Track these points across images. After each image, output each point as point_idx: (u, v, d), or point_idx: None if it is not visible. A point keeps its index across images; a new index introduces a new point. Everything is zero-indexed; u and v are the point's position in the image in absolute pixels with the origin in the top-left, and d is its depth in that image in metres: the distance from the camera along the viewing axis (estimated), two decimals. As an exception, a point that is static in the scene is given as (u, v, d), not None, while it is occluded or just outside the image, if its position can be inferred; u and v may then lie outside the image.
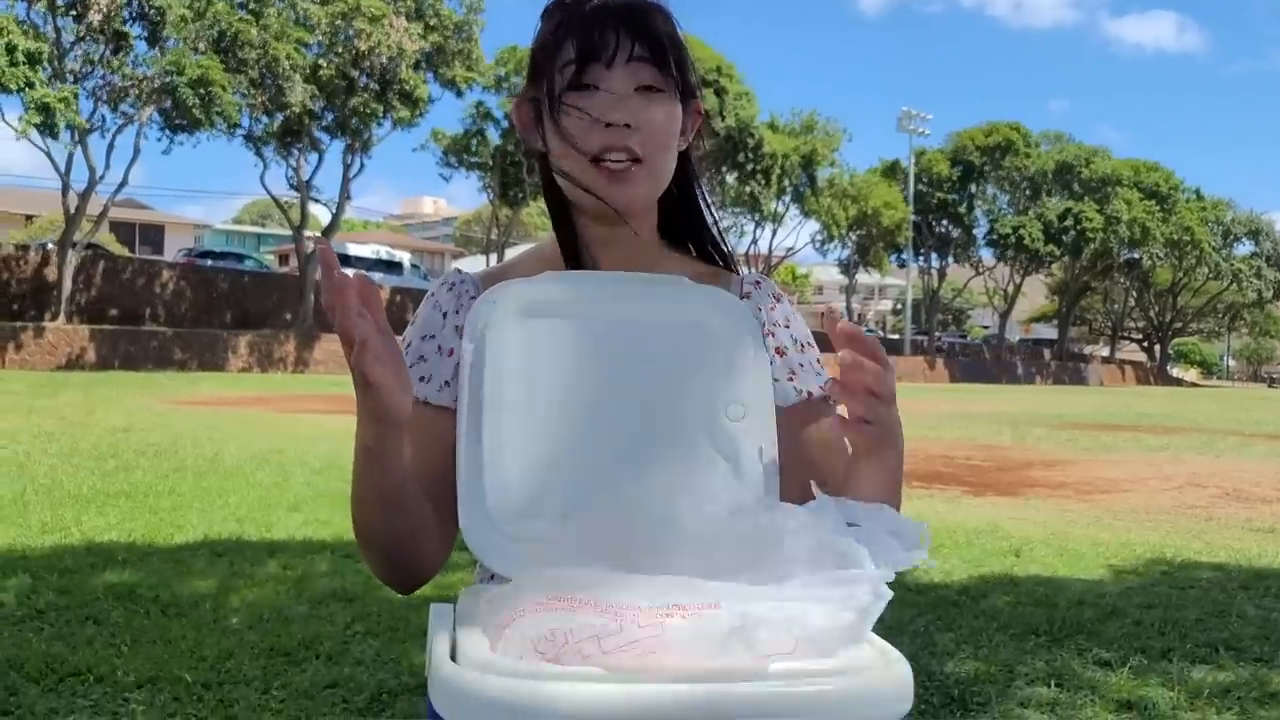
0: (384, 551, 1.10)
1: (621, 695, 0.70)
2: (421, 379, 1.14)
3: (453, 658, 0.78)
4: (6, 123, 27.21)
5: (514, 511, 0.92)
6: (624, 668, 0.72)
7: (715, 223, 1.28)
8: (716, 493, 0.96)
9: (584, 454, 0.93)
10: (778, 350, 1.20)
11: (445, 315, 1.18)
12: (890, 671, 0.77)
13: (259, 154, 34.40)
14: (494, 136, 40.04)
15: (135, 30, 28.98)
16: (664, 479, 0.95)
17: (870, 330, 70.63)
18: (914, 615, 4.85)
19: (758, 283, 1.26)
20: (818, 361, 1.24)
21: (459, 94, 36.45)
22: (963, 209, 55.62)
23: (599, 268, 1.15)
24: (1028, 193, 56.01)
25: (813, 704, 0.72)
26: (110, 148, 30.17)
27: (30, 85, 25.54)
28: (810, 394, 1.18)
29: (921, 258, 57.56)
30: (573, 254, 1.17)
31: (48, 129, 26.45)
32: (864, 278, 64.25)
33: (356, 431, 1.00)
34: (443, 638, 0.81)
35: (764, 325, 1.19)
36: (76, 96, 27.44)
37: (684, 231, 1.26)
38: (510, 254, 36.09)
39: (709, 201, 1.28)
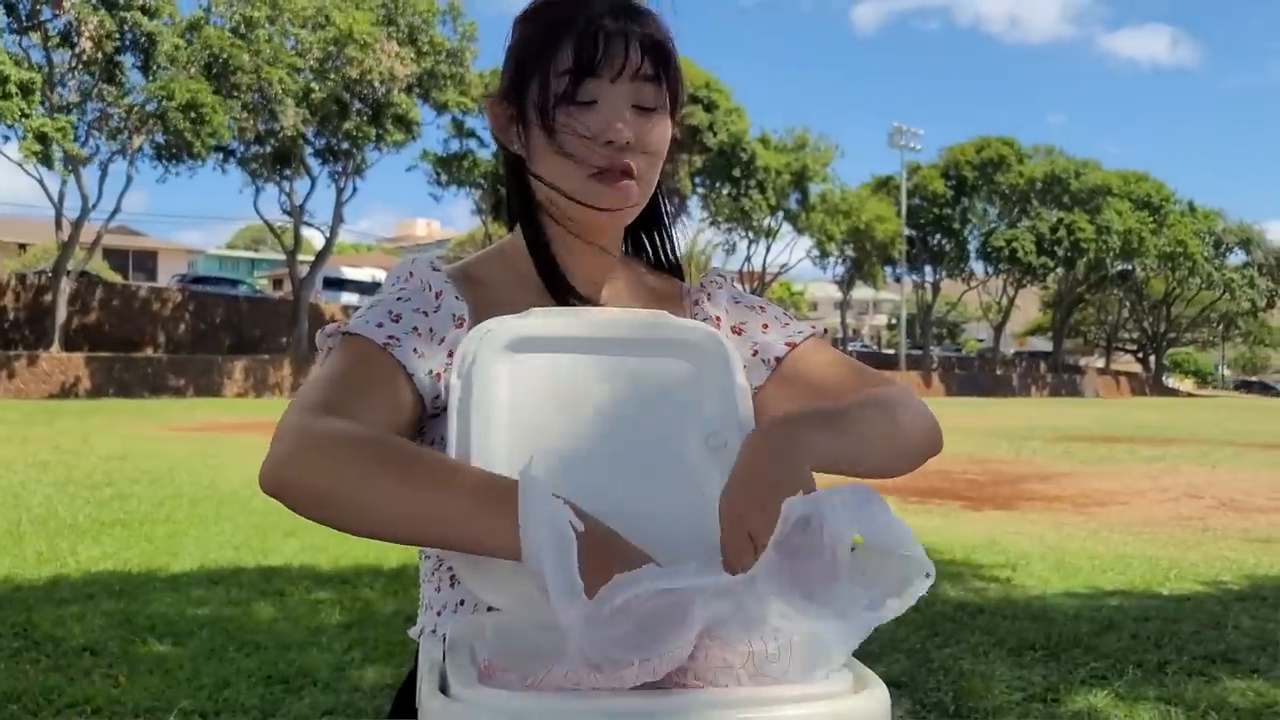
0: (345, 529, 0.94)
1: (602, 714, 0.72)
2: (415, 350, 1.05)
3: (442, 689, 0.79)
4: (3, 154, 27.38)
5: None
6: None
7: (670, 223, 1.25)
8: (697, 525, 0.97)
9: (569, 486, 0.95)
10: (735, 330, 1.19)
11: (440, 300, 1.10)
12: (867, 698, 0.78)
13: (252, 179, 34.54)
14: (484, 155, 40.11)
15: (128, 59, 29.13)
16: (647, 510, 0.97)
17: (865, 346, 70.90)
18: (910, 632, 4.85)
19: (703, 286, 1.25)
20: (785, 313, 1.24)
21: (452, 119, 36.65)
22: (956, 224, 55.84)
23: (569, 276, 1.13)
24: (1020, 206, 56.23)
25: None
26: (103, 176, 30.28)
27: (26, 116, 25.66)
28: (778, 359, 1.19)
29: (915, 272, 57.73)
30: (543, 261, 1.13)
31: (44, 158, 26.56)
32: (858, 293, 64.43)
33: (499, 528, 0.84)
34: (433, 669, 0.82)
35: (716, 317, 1.19)
36: (73, 126, 27.58)
37: (645, 238, 1.25)
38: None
39: (670, 210, 1.24)
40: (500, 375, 0.98)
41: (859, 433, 1.04)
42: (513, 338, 1.00)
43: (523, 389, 0.99)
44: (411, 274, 1.13)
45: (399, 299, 1.10)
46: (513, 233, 1.19)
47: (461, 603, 1.09)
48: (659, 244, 1.26)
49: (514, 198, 1.17)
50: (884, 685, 0.80)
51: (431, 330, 1.07)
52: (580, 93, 1.07)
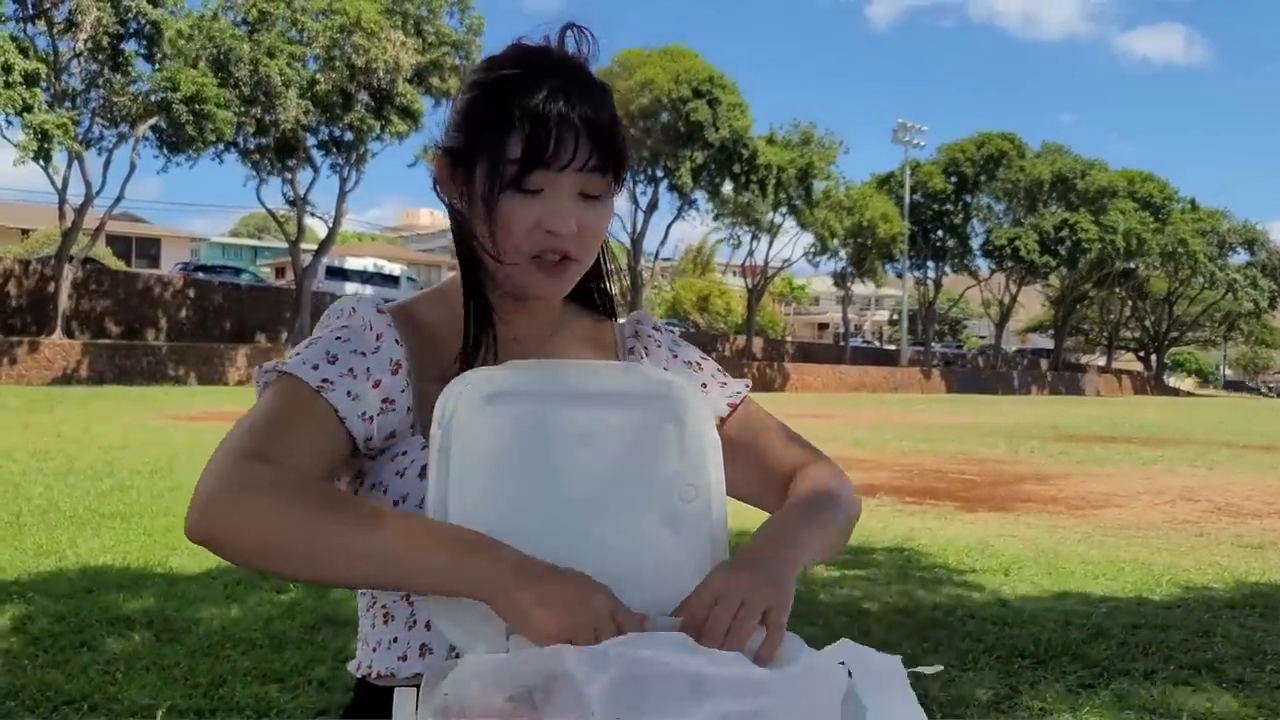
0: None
1: None
2: (348, 393, 1.07)
3: None
4: (5, 138, 27.34)
5: None
6: None
7: (607, 276, 1.27)
8: (667, 575, 1.01)
9: (543, 535, 0.99)
10: None
11: (380, 343, 1.11)
12: None
13: (255, 169, 34.58)
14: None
15: (132, 46, 29.12)
16: (618, 561, 1.00)
17: (866, 341, 70.84)
18: (902, 638, 4.90)
19: (636, 332, 1.28)
20: (719, 372, 1.28)
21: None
22: (958, 220, 55.85)
23: (510, 327, 1.16)
24: (1024, 204, 56.22)
25: None
26: (107, 163, 30.33)
27: (29, 109, 25.64)
28: (721, 419, 1.22)
29: (917, 269, 57.74)
30: (472, 327, 1.14)
31: (45, 154, 26.59)
32: (860, 288, 64.44)
33: (446, 564, 0.92)
34: None
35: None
36: (76, 123, 27.60)
37: (584, 284, 1.24)
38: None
39: (609, 266, 1.27)
40: (479, 427, 1.02)
41: (829, 531, 1.13)
42: (492, 390, 1.03)
43: (501, 441, 1.02)
44: (354, 311, 1.14)
45: (338, 338, 1.11)
46: (457, 273, 1.20)
47: (395, 640, 1.11)
48: (596, 291, 1.28)
49: (459, 246, 1.17)
50: None
51: (368, 371, 1.09)
52: (527, 182, 1.08)
